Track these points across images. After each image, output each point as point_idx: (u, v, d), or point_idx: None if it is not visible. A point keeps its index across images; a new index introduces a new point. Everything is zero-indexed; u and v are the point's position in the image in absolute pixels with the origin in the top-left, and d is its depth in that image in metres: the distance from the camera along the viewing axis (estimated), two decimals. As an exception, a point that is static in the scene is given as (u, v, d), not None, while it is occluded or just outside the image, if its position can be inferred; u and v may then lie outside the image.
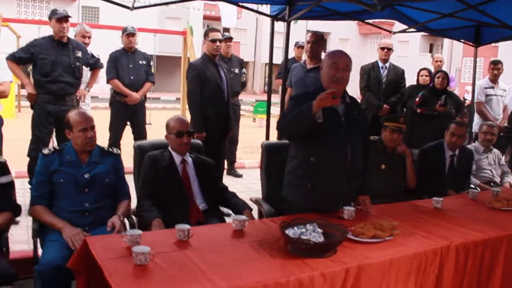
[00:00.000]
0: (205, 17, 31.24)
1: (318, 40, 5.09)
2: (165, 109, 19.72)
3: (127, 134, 6.67)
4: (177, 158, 3.60)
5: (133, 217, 3.46)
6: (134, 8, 4.16)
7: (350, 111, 3.28)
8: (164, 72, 25.14)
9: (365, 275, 2.42)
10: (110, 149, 3.48)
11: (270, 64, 5.38)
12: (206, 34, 5.06)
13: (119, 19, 15.50)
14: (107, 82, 6.38)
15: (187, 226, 2.62)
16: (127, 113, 6.45)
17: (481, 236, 2.97)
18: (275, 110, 16.20)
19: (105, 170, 3.33)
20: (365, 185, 3.45)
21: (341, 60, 3.16)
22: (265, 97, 29.29)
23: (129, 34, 6.35)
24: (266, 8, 5.36)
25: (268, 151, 4.09)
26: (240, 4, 4.77)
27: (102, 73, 6.10)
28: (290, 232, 2.52)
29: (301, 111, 2.98)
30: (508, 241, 3.08)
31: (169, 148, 3.64)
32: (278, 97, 5.83)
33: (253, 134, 12.54)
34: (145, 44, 11.67)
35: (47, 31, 5.57)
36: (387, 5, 3.80)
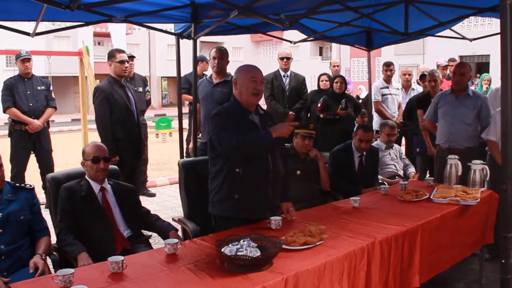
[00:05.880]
0: (96, 34, 30.24)
1: (223, 55, 5.09)
2: (62, 132, 18.75)
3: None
4: (95, 187, 3.49)
5: (55, 253, 3.29)
6: (35, 34, 3.94)
7: (265, 122, 3.42)
8: (56, 93, 23.94)
9: (302, 281, 2.50)
10: (23, 184, 3.30)
11: (179, 80, 5.36)
12: (112, 55, 4.91)
13: (1, 42, 14.47)
14: (4, 112, 6.03)
15: (120, 258, 2.54)
16: (29, 142, 6.13)
17: (399, 229, 3.19)
18: (175, 124, 16.05)
19: (19, 207, 3.15)
20: (286, 192, 3.58)
21: (258, 73, 3.31)
22: (163, 111, 28.63)
23: (24, 59, 6.04)
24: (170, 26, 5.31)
25: (186, 169, 4.08)
26: (145, 24, 4.69)
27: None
28: (226, 250, 2.53)
29: (261, 138, 3.24)
30: (422, 229, 3.34)
31: (86, 177, 3.52)
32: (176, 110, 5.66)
33: (158, 150, 12.35)
34: (34, 66, 11.07)
35: None
36: (295, 21, 3.97)
